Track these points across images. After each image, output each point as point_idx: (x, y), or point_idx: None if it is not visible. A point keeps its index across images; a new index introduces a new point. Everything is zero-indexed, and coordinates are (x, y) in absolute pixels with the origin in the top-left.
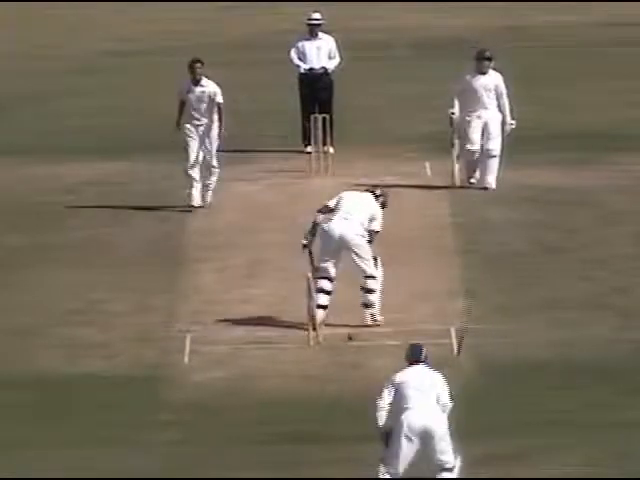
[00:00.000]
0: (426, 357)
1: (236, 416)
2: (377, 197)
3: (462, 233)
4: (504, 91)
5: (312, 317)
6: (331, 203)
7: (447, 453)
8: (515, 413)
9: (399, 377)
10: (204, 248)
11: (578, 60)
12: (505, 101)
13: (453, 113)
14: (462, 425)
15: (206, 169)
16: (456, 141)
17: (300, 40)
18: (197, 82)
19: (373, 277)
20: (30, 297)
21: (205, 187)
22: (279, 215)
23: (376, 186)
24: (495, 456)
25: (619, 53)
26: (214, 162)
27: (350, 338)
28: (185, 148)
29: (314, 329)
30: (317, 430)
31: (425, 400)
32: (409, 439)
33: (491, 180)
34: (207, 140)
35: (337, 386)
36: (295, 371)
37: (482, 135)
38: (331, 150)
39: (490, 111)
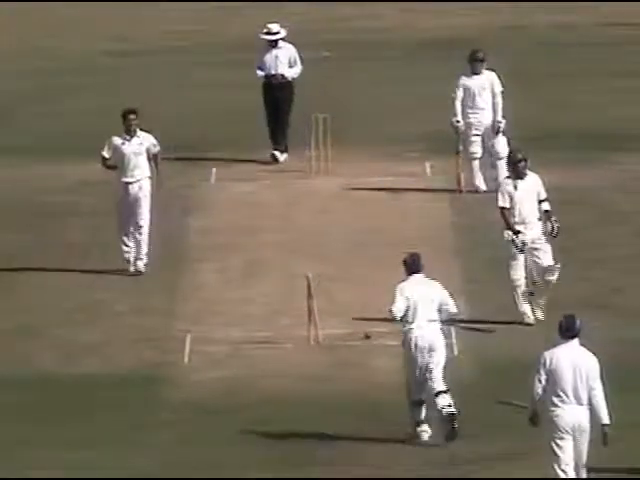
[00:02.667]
0: (423, 267)
1: (236, 416)
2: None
3: (462, 233)
4: (499, 89)
5: (312, 317)
6: (505, 203)
7: (438, 371)
8: (515, 413)
9: (402, 289)
10: (204, 248)
11: (578, 60)
12: (499, 99)
13: (458, 121)
14: (462, 425)
15: (135, 230)
16: (461, 148)
17: (262, 49)
18: (132, 134)
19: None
20: (30, 297)
21: (135, 257)
22: (279, 215)
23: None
24: (495, 456)
25: (619, 53)
26: (143, 222)
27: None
28: (118, 209)
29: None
30: (317, 430)
31: (427, 314)
32: (415, 355)
33: None
34: (140, 198)
35: (337, 386)
36: (295, 371)
37: (483, 139)
38: (280, 157)
39: (488, 112)
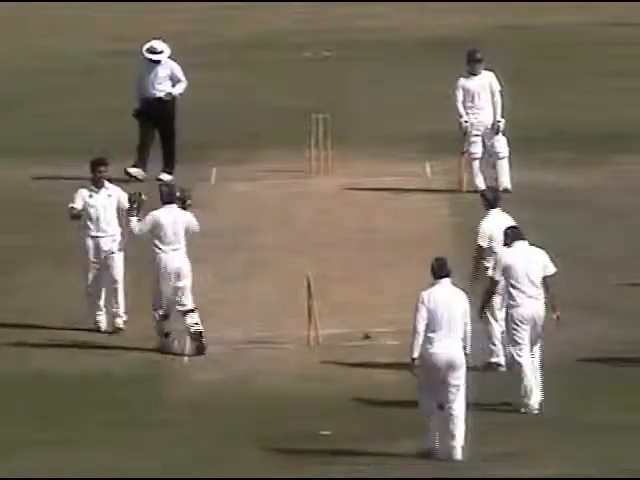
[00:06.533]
0: (175, 197)
1: (236, 416)
2: None
3: (462, 233)
4: (497, 89)
5: (312, 317)
6: None
7: (186, 292)
8: (514, 413)
9: (151, 216)
10: (204, 248)
11: (578, 60)
12: (498, 99)
13: (466, 122)
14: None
15: (111, 291)
16: (465, 148)
17: (142, 66)
18: (100, 186)
19: None
20: (30, 297)
21: (114, 314)
22: (279, 215)
23: None
24: (495, 456)
25: (619, 53)
26: (119, 276)
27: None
28: (84, 269)
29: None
30: (317, 430)
31: (174, 241)
32: (165, 277)
33: (506, 181)
34: (111, 255)
35: (337, 386)
36: (295, 371)
37: (483, 139)
38: (167, 177)
39: (488, 112)
